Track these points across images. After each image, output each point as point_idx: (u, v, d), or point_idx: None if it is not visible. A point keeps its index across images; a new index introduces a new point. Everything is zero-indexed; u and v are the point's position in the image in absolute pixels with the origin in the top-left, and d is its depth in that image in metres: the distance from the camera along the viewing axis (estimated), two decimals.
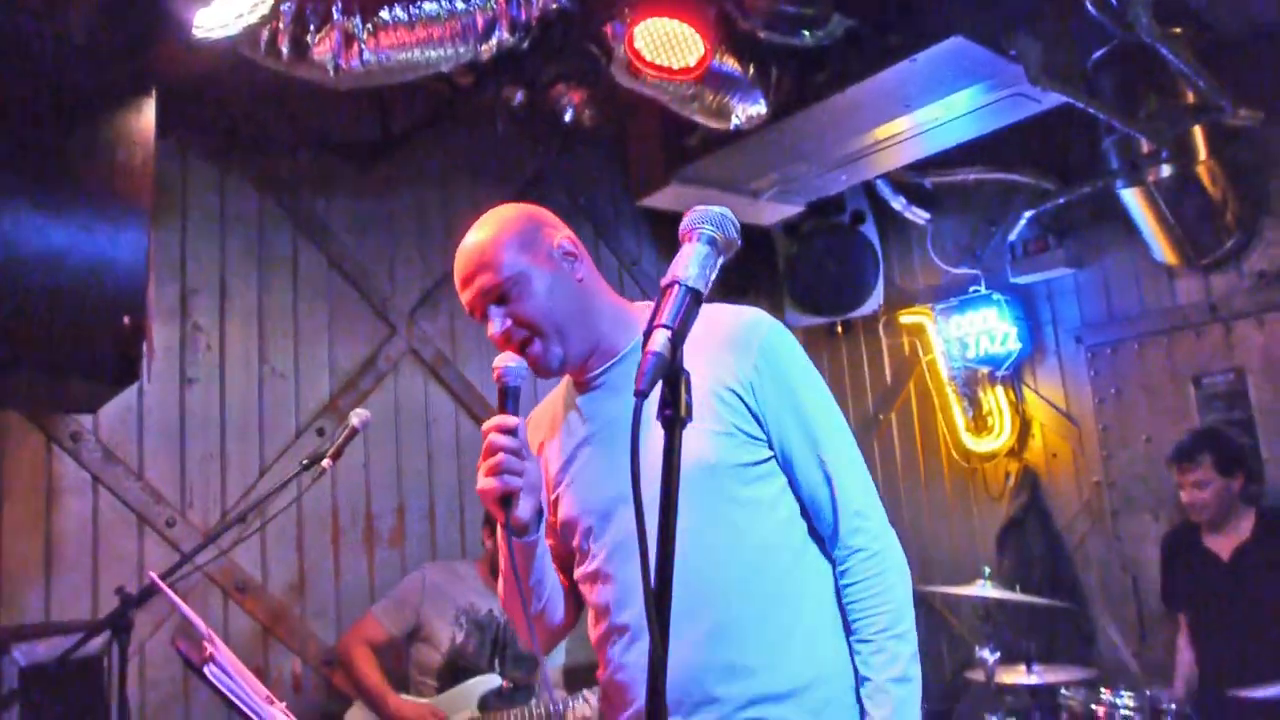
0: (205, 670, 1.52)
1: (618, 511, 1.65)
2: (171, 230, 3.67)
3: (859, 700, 1.60)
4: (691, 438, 1.53)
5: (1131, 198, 4.07)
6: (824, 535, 1.67)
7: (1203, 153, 3.90)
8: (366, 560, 3.99)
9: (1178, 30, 3.52)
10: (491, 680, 3.44)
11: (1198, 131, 3.88)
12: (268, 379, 3.85)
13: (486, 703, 3.40)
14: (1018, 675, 3.51)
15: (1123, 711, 3.08)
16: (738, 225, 1.31)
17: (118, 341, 2.40)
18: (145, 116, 2.52)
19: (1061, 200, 4.39)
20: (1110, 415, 4.50)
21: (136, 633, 3.24)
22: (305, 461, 2.85)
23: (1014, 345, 4.71)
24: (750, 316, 1.72)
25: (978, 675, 3.56)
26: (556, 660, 3.71)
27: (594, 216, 4.91)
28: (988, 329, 4.76)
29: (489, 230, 1.70)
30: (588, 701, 3.27)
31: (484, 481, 1.54)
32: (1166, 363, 4.33)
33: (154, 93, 2.53)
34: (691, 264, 1.19)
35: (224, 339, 3.77)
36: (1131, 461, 4.41)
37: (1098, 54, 3.83)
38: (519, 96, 3.53)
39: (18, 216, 2.23)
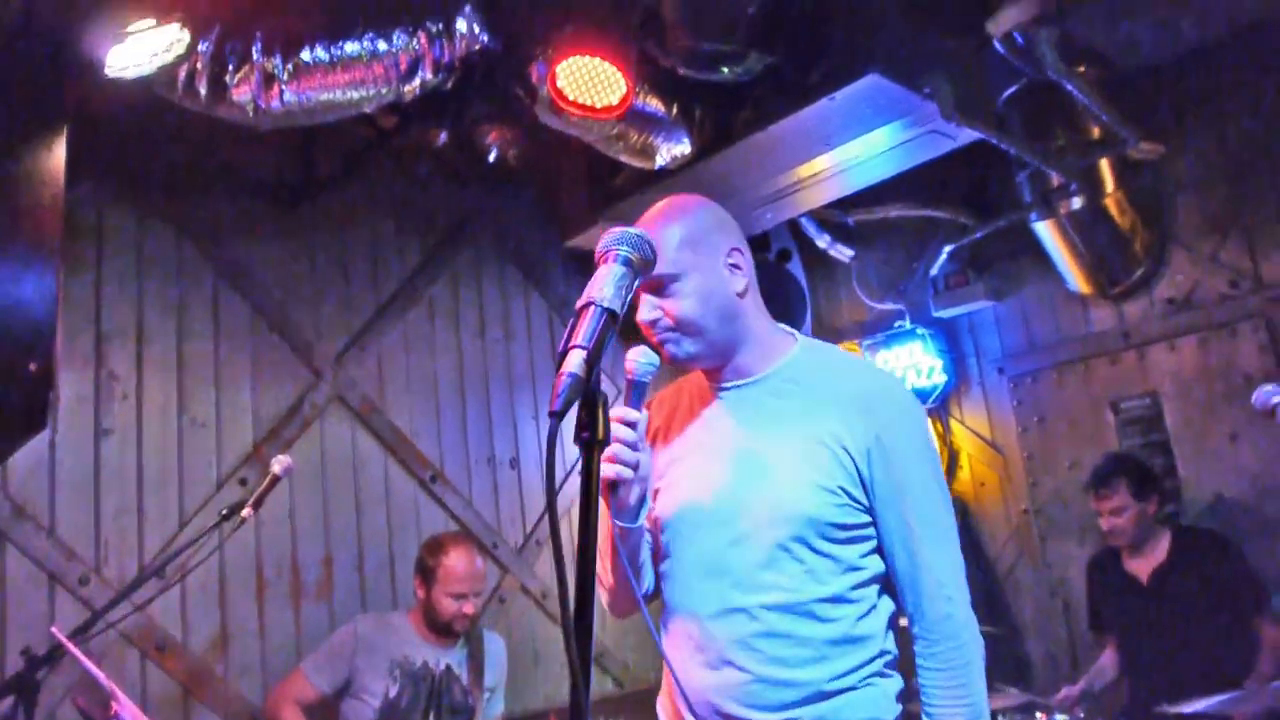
0: None
1: (706, 523, 1.71)
2: (86, 276, 3.56)
3: None
4: (794, 483, 1.66)
5: (1045, 230, 4.20)
6: (905, 610, 1.71)
7: (1110, 185, 4.05)
8: (293, 614, 3.86)
9: (1081, 69, 3.67)
10: None
11: (1105, 165, 4.04)
12: (187, 429, 3.74)
13: None
14: None
15: None
16: (654, 246, 1.33)
17: (23, 389, 2.31)
18: (55, 155, 2.45)
19: (979, 235, 4.52)
20: (1034, 443, 4.60)
21: (44, 697, 3.10)
22: (225, 511, 2.77)
23: (940, 378, 4.80)
24: (886, 382, 1.80)
25: (914, 706, 3.54)
26: (494, 710, 3.62)
27: (522, 259, 4.90)
28: (914, 363, 4.84)
29: (667, 219, 1.73)
30: None
31: (609, 471, 1.56)
32: (1085, 389, 4.45)
33: (65, 131, 2.46)
34: (607, 284, 1.20)
35: (141, 387, 3.65)
36: (1056, 488, 4.51)
37: (1008, 92, 3.96)
38: (443, 137, 3.52)
39: None
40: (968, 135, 3.74)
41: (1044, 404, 4.58)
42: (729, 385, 1.80)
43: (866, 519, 1.69)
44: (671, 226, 1.71)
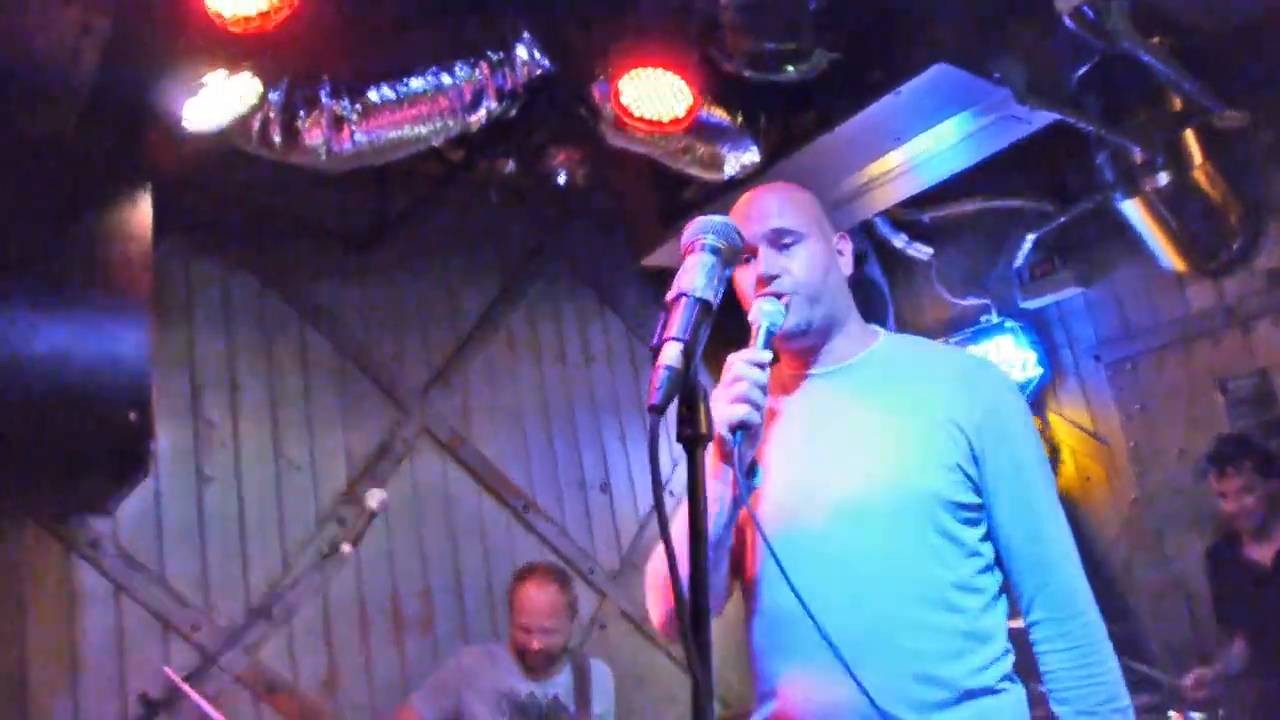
0: None
1: (806, 513, 1.60)
2: (178, 327, 3.68)
3: None
4: (910, 462, 1.59)
5: (1132, 209, 4.05)
6: (1022, 594, 1.63)
7: (1198, 157, 3.89)
8: (397, 651, 3.89)
9: (1156, 39, 3.54)
10: None
11: (1189, 136, 3.88)
12: (284, 471, 3.81)
13: None
14: None
15: None
16: (741, 234, 1.29)
17: (125, 438, 2.37)
18: (141, 211, 2.53)
19: (1062, 220, 4.39)
20: (1139, 431, 4.42)
21: None
22: (325, 550, 2.81)
23: (1034, 371, 4.65)
24: (983, 362, 1.80)
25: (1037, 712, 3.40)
26: None
27: (596, 281, 4.91)
28: (1004, 358, 4.70)
29: (789, 187, 1.76)
30: None
31: (725, 408, 1.46)
32: (1189, 372, 4.26)
33: (149, 187, 2.54)
34: (698, 274, 1.16)
35: (238, 434, 3.74)
36: (1167, 476, 4.31)
37: (1081, 70, 3.83)
38: (511, 165, 3.56)
39: (15, 317, 2.22)
40: (1043, 118, 3.62)
41: (1146, 390, 4.40)
42: (821, 371, 1.73)
43: (980, 499, 1.61)
44: (795, 192, 1.74)
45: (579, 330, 4.81)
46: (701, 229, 1.24)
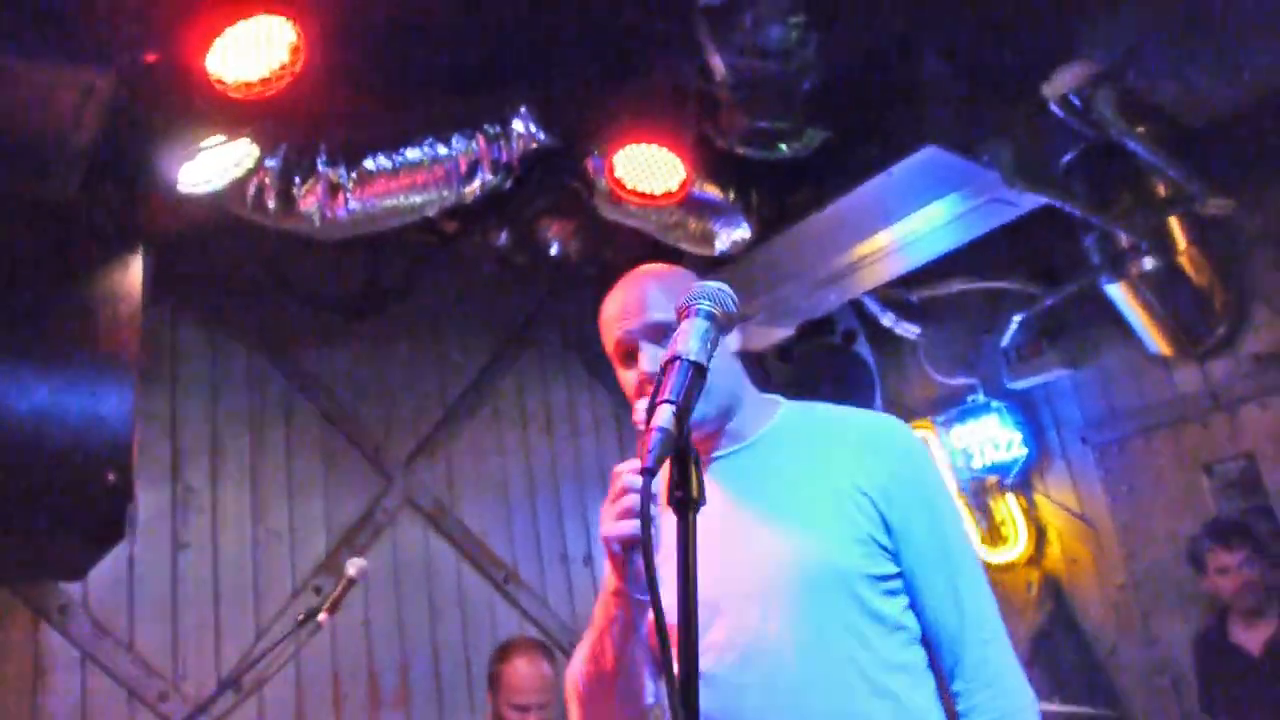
0: None
1: (724, 606, 1.52)
2: (162, 391, 3.64)
3: None
4: (822, 540, 1.51)
5: (1118, 292, 4.09)
6: (943, 665, 1.54)
7: (1182, 242, 3.94)
8: None
9: (1142, 128, 3.61)
10: None
11: (1174, 222, 3.94)
12: (262, 539, 3.74)
13: None
14: None
15: None
16: (736, 300, 1.28)
17: (103, 500, 2.32)
18: (132, 274, 2.52)
19: (1050, 302, 4.42)
20: (1126, 513, 4.40)
21: None
22: (301, 616, 2.74)
23: (1019, 451, 4.65)
24: (889, 421, 1.67)
25: None
26: None
27: (586, 354, 4.90)
28: (991, 437, 4.70)
29: (661, 273, 1.69)
30: None
31: (613, 525, 1.38)
32: (1176, 454, 4.26)
33: (140, 250, 2.53)
34: (691, 338, 1.16)
35: (216, 500, 3.68)
36: (1155, 559, 4.28)
37: (1068, 156, 3.90)
38: (504, 237, 3.57)
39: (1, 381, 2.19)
40: (1030, 201, 3.69)
41: (1133, 472, 4.39)
42: (722, 454, 1.65)
43: (897, 569, 1.53)
44: (666, 278, 1.67)
45: (567, 402, 4.78)
46: (696, 295, 1.24)
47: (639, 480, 1.36)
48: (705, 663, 1.48)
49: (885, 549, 1.52)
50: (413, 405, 4.30)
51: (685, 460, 1.05)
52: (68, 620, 3.27)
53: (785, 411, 1.70)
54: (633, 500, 1.38)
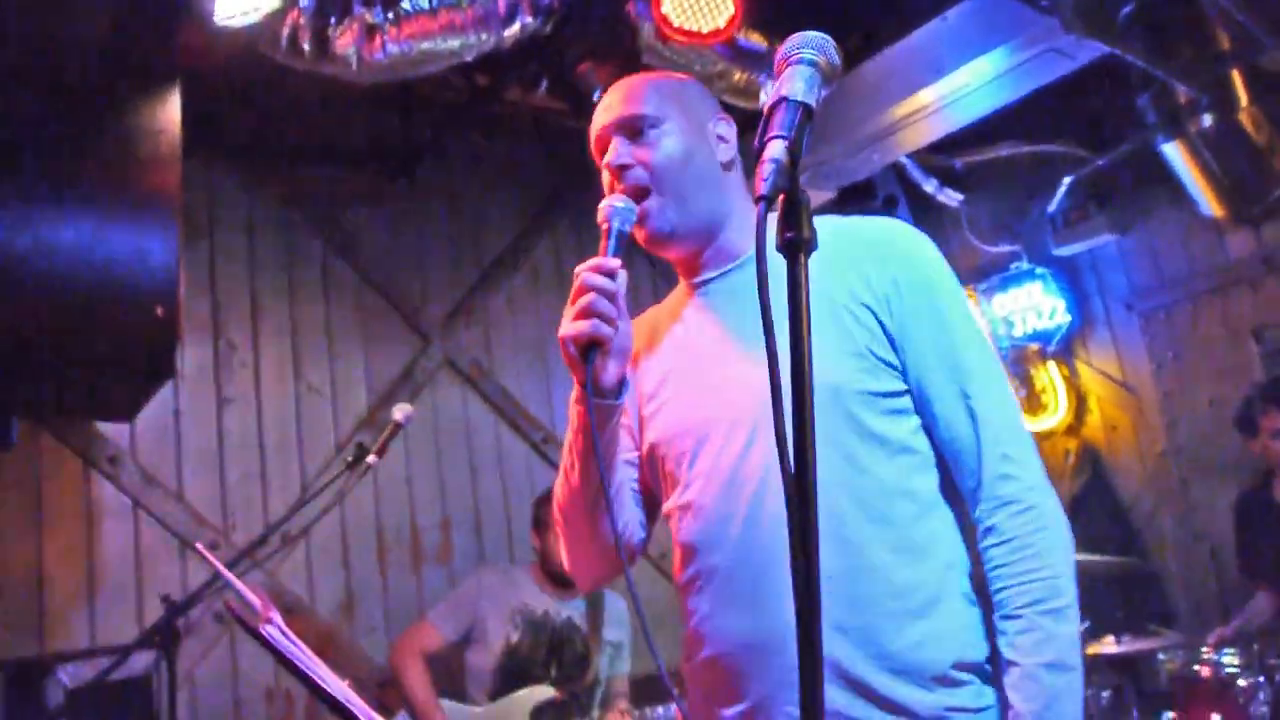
0: (262, 630, 1.39)
1: (718, 434, 1.43)
2: (200, 246, 3.63)
3: (1001, 695, 1.32)
4: (818, 358, 1.35)
5: (1173, 152, 3.95)
6: (965, 490, 1.39)
7: (1244, 99, 3.79)
8: (414, 578, 3.87)
9: None
10: (544, 692, 3.30)
11: (1237, 77, 3.78)
12: (304, 395, 3.78)
13: (539, 715, 3.26)
14: (1107, 646, 3.32)
15: (1228, 668, 2.88)
16: (839, 51, 1.16)
17: (152, 333, 2.32)
18: (170, 107, 2.46)
19: (1101, 163, 4.30)
20: (1170, 381, 4.35)
21: (185, 657, 3.16)
22: (349, 459, 2.76)
23: (1062, 319, 4.59)
24: (891, 224, 1.50)
25: None
26: (620, 669, 3.56)
27: None
28: (1033, 305, 4.64)
29: (658, 75, 1.59)
30: None
31: (570, 325, 1.32)
32: (1224, 321, 4.19)
33: (178, 83, 2.48)
34: (796, 80, 1.00)
35: (258, 355, 3.70)
36: (1197, 426, 4.26)
37: (1127, 8, 3.73)
38: (543, 85, 3.48)
39: (43, 204, 2.16)
40: (1088, 52, 3.52)
41: (1179, 339, 4.33)
42: (713, 275, 1.53)
43: (903, 386, 1.39)
44: (659, 78, 1.56)
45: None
46: (796, 44, 1.10)
47: (598, 278, 1.34)
48: (692, 493, 1.46)
49: (888, 364, 1.39)
50: (450, 266, 4.27)
51: (795, 200, 0.95)
52: (118, 470, 3.33)
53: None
54: (590, 299, 1.32)
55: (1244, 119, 3.83)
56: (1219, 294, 4.20)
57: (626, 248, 1.41)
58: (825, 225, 1.47)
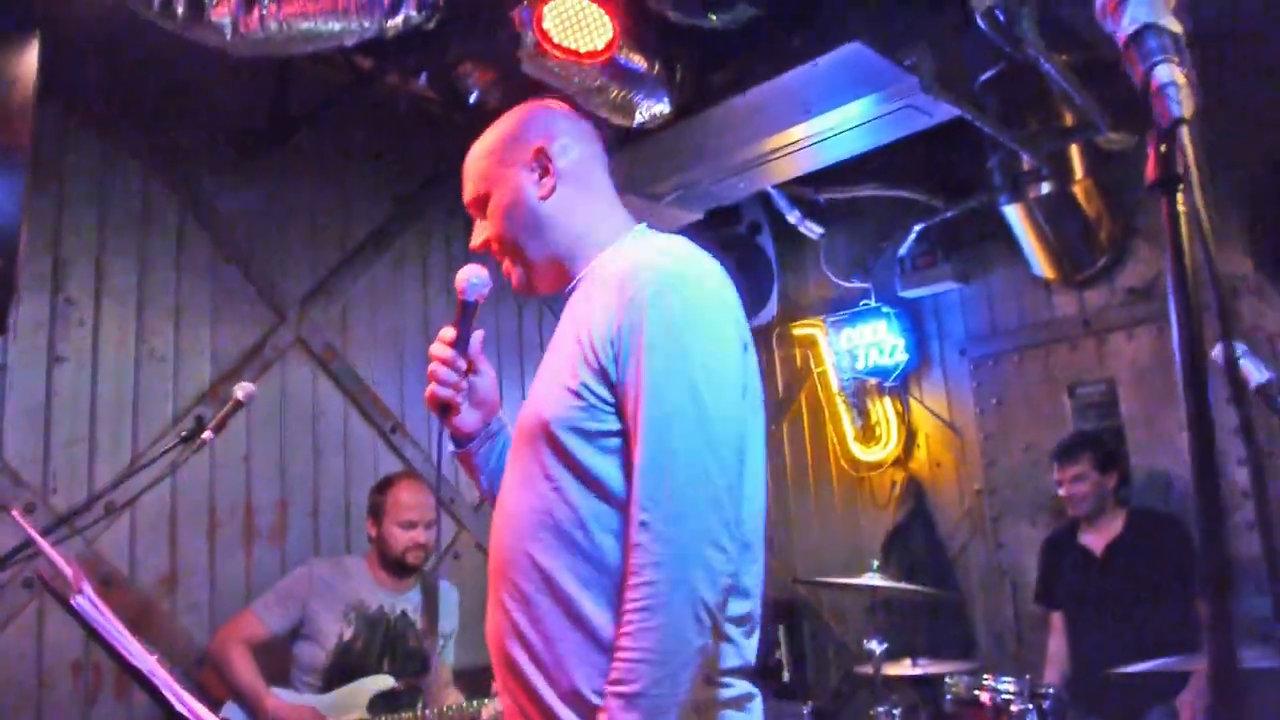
0: (72, 601, 1.40)
1: (515, 438, 1.59)
2: (48, 197, 3.47)
3: None
4: (541, 389, 1.49)
5: (1013, 214, 4.25)
6: None
7: (1079, 172, 4.11)
8: (244, 556, 3.80)
9: (1059, 54, 3.70)
10: (382, 681, 3.31)
11: (1075, 152, 4.09)
12: (145, 360, 3.66)
13: (376, 705, 3.27)
14: (904, 668, 3.57)
15: (1004, 695, 3.16)
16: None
17: None
18: (26, 59, 2.38)
19: (949, 215, 4.56)
20: (991, 424, 4.66)
21: None
22: (184, 433, 2.72)
23: (901, 357, 4.85)
24: (636, 267, 1.44)
25: (866, 669, 3.61)
26: (447, 658, 3.60)
27: None
28: (877, 341, 4.89)
29: (485, 136, 1.70)
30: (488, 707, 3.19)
31: (426, 393, 1.64)
32: (1044, 374, 4.52)
33: (36, 34, 2.40)
34: (1142, 5, 0.98)
35: (99, 316, 3.57)
36: (1011, 468, 4.58)
37: (986, 75, 3.99)
38: (423, 79, 3.48)
39: None
40: (943, 113, 3.76)
41: (1003, 387, 4.65)
42: (567, 290, 1.64)
43: (619, 426, 1.40)
44: (478, 152, 1.68)
45: (470, 260, 4.75)
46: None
47: (439, 349, 1.62)
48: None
49: (605, 402, 1.41)
50: (311, 245, 4.21)
51: (1171, 132, 0.94)
52: None
53: (609, 253, 1.58)
54: (432, 368, 1.62)
55: (1078, 191, 4.14)
56: (1043, 348, 4.53)
57: None
58: (619, 256, 1.55)
